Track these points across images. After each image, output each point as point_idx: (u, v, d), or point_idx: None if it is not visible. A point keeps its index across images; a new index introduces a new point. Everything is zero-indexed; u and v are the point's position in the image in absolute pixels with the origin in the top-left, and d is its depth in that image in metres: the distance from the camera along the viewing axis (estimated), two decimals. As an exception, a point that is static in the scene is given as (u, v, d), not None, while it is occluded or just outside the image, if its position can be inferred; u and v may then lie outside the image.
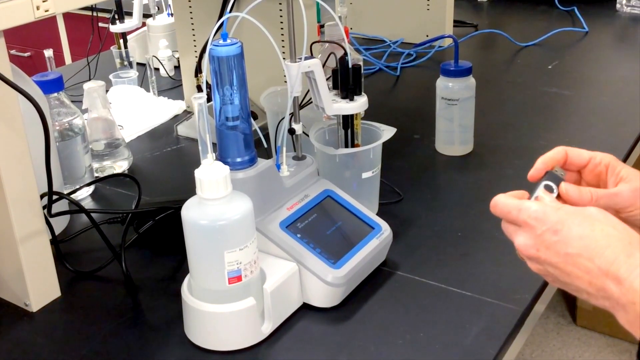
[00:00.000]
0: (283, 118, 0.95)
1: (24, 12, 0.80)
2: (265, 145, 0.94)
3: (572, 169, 0.79)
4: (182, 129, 1.45)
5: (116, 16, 1.60)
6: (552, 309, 2.39)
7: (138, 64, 1.72)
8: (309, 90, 1.01)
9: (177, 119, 1.53)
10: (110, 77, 1.62)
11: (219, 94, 0.86)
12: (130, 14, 1.62)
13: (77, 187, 1.18)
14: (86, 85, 1.26)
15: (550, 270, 0.68)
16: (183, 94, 1.59)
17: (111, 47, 1.70)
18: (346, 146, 1.05)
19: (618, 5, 2.15)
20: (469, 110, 1.28)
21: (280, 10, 1.32)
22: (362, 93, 1.02)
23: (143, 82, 1.65)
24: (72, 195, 1.10)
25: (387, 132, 1.06)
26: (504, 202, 0.72)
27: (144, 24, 1.77)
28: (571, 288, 0.68)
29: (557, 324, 2.35)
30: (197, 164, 0.80)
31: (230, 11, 0.85)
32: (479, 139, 1.32)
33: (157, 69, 1.72)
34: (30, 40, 3.11)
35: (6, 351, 0.88)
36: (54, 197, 0.96)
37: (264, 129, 1.24)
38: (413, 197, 1.17)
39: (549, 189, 0.75)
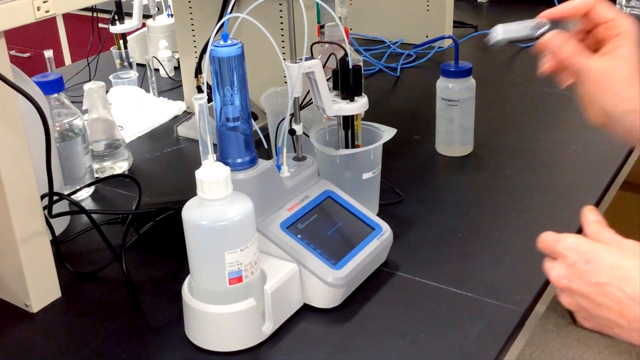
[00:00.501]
0: (283, 119, 0.95)
1: (25, 12, 0.80)
2: (266, 146, 0.94)
3: (587, 25, 0.78)
4: (182, 130, 1.45)
5: (116, 17, 1.60)
6: (552, 309, 2.39)
7: (138, 64, 1.72)
8: (309, 91, 1.01)
9: (177, 119, 1.53)
10: (110, 77, 1.62)
11: (220, 94, 0.86)
12: (130, 14, 1.61)
13: (78, 187, 1.18)
14: (86, 86, 1.26)
15: (581, 303, 0.66)
16: (183, 94, 1.59)
17: (111, 48, 1.70)
18: (346, 147, 1.05)
19: (618, 6, 2.14)
20: (469, 111, 1.28)
21: (281, 11, 1.32)
22: (363, 94, 1.02)
23: (143, 83, 1.65)
24: (73, 196, 1.10)
25: (388, 132, 1.06)
26: (545, 237, 0.71)
27: (144, 25, 1.77)
28: (603, 323, 0.66)
29: (556, 324, 2.35)
30: (198, 164, 0.80)
31: (231, 12, 0.85)
32: (479, 140, 1.32)
33: (157, 70, 1.72)
34: (30, 41, 3.11)
35: (6, 352, 0.88)
36: (55, 197, 0.96)
37: (265, 129, 1.24)
38: (413, 197, 1.17)
39: (540, 25, 0.76)
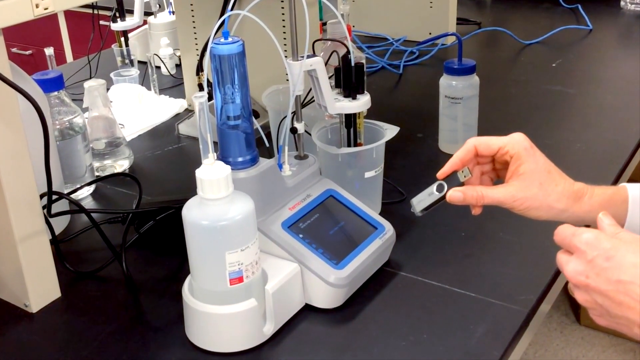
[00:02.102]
0: (285, 117, 0.94)
1: (23, 10, 0.79)
2: (267, 145, 0.94)
3: (485, 160, 0.86)
4: (184, 128, 1.45)
5: (117, 14, 1.59)
6: (556, 308, 2.39)
7: (139, 62, 1.71)
8: (311, 89, 1.00)
9: (178, 117, 1.53)
10: (111, 75, 1.61)
11: (221, 92, 0.85)
12: (131, 11, 1.61)
13: (78, 186, 1.17)
14: (87, 84, 1.26)
15: (599, 301, 0.65)
16: (184, 92, 1.58)
17: (112, 45, 1.69)
18: (349, 145, 1.04)
19: (622, 3, 2.14)
20: (473, 108, 1.28)
21: (282, 8, 1.31)
22: (365, 91, 1.01)
23: (144, 81, 1.64)
24: (73, 195, 1.10)
25: (390, 131, 1.05)
26: (563, 229, 0.70)
27: (145, 22, 1.76)
28: (621, 322, 0.64)
29: (560, 323, 2.34)
30: (199, 163, 0.80)
31: (232, 9, 0.84)
32: (483, 138, 1.31)
33: (158, 67, 1.72)
34: (31, 38, 3.11)
35: (6, 352, 0.88)
36: (54, 196, 0.95)
37: (266, 127, 1.23)
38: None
39: (439, 189, 0.85)
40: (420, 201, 0.87)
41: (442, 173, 0.85)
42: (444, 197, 0.85)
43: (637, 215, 0.81)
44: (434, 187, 0.86)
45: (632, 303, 0.62)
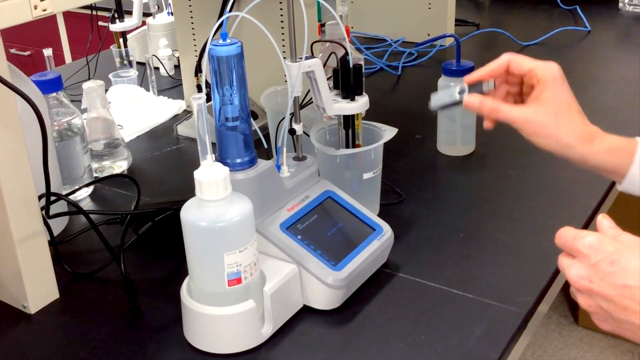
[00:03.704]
0: (283, 118, 0.94)
1: (21, 11, 0.79)
2: (266, 146, 0.94)
3: (514, 80, 0.87)
4: (182, 129, 1.45)
5: (116, 15, 1.59)
6: (554, 309, 2.39)
7: (138, 63, 1.71)
8: (309, 90, 1.00)
9: (177, 118, 1.52)
10: (110, 76, 1.61)
11: (219, 94, 0.85)
12: (130, 12, 1.61)
13: (76, 187, 1.17)
14: (85, 85, 1.26)
15: (603, 305, 0.64)
16: (183, 93, 1.58)
17: (111, 46, 1.69)
18: (347, 146, 1.04)
19: (620, 4, 2.14)
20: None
21: (281, 9, 1.31)
22: (363, 93, 1.01)
23: (143, 82, 1.64)
24: (71, 196, 1.10)
25: (389, 132, 1.05)
26: (564, 232, 0.68)
27: (143, 23, 1.76)
28: (625, 327, 0.63)
29: (559, 324, 2.34)
30: (197, 164, 0.80)
31: (230, 10, 0.84)
32: (481, 140, 1.32)
33: (157, 68, 1.71)
34: (30, 39, 3.11)
35: (4, 353, 0.88)
36: (52, 198, 0.95)
37: (264, 129, 1.23)
38: (414, 197, 1.16)
39: (461, 91, 0.88)
40: (440, 99, 0.90)
41: (468, 78, 0.88)
42: (462, 100, 0.87)
43: (639, 171, 0.83)
44: (456, 88, 0.89)
45: (638, 307, 0.62)
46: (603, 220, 0.69)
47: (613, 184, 1.19)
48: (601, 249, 0.64)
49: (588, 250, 0.65)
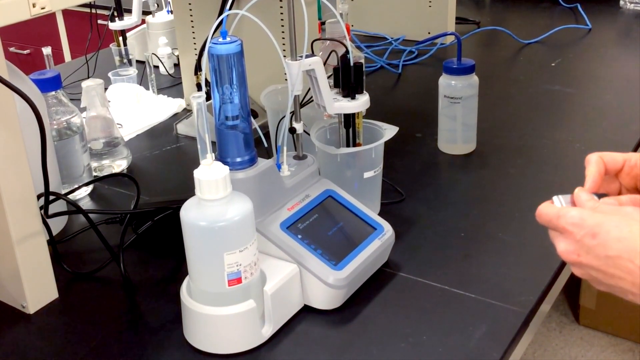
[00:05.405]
0: (284, 117, 0.94)
1: (20, 9, 0.79)
2: (266, 145, 0.93)
3: (610, 175, 0.77)
4: (182, 128, 1.44)
5: (115, 13, 1.59)
6: (555, 307, 2.38)
7: (137, 61, 1.70)
8: (309, 89, 1.00)
9: (176, 117, 1.52)
10: (110, 75, 1.61)
11: (219, 92, 0.85)
12: (129, 11, 1.60)
13: (76, 186, 1.17)
14: (84, 84, 1.25)
15: (593, 274, 0.68)
16: (183, 92, 1.58)
17: (110, 45, 1.68)
18: (347, 145, 1.03)
19: (621, 2, 2.13)
20: (472, 108, 1.27)
21: (281, 7, 1.30)
22: (364, 91, 1.01)
23: (142, 80, 1.64)
24: (70, 195, 1.09)
25: (389, 131, 1.05)
26: (546, 211, 0.71)
27: (143, 22, 1.76)
28: (616, 290, 0.67)
29: (559, 323, 2.34)
30: (197, 163, 0.79)
31: (230, 8, 0.84)
32: (482, 138, 1.31)
33: (156, 67, 1.71)
34: (29, 38, 3.11)
35: (3, 354, 0.87)
36: (51, 197, 0.95)
37: (264, 127, 1.23)
38: (415, 196, 1.16)
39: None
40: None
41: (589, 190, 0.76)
42: None
43: None
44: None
45: (623, 275, 0.65)
46: (580, 193, 0.72)
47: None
48: (583, 225, 0.67)
49: (572, 227, 0.68)
